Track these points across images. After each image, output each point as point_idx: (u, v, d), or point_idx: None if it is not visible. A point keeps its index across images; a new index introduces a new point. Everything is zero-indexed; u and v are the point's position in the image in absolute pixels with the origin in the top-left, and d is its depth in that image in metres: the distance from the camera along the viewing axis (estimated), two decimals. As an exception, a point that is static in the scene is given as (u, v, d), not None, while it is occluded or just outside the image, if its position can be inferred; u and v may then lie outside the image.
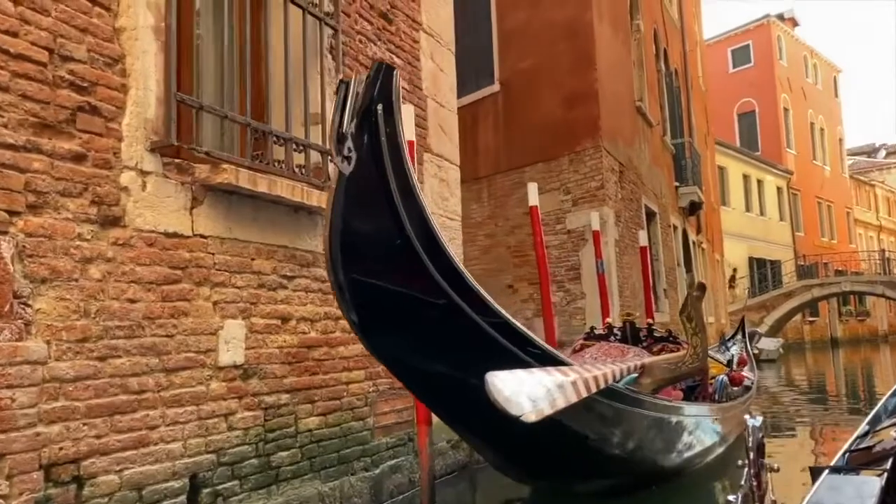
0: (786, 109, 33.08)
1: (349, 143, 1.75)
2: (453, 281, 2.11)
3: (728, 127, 32.72)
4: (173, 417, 2.80)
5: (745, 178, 29.62)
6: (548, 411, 2.01)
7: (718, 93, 30.52)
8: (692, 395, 5.27)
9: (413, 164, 2.32)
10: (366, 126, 1.80)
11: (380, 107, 1.83)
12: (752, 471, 1.14)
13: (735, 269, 29.11)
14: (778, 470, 1.28)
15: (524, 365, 2.26)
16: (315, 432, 3.60)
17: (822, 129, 35.91)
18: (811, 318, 30.50)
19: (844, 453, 2.45)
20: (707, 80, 24.46)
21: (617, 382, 3.46)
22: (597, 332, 5.79)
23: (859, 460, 2.28)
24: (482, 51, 11.27)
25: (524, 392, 1.90)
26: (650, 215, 12.68)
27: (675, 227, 14.80)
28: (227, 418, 3.06)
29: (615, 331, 5.71)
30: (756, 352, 20.31)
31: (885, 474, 1.95)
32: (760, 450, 1.18)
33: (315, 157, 3.70)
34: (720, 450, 5.43)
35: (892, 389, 3.63)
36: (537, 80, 10.28)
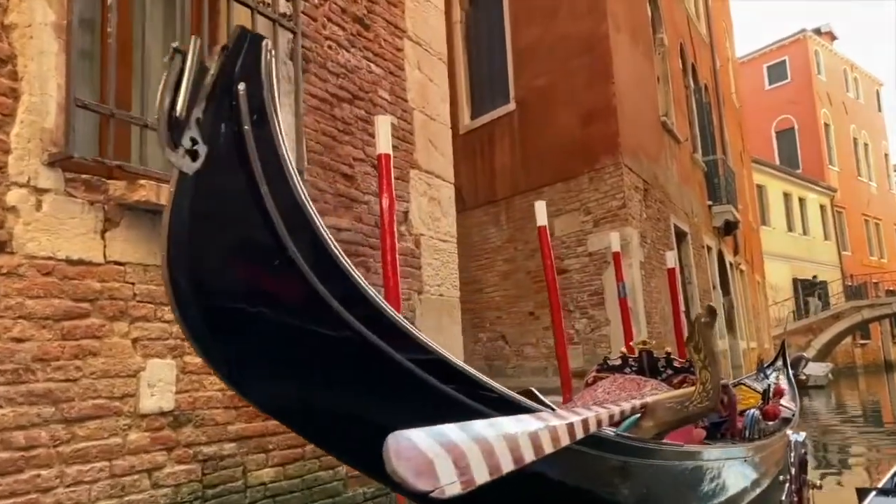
0: (826, 125, 32.00)
1: (192, 133, 1.31)
2: (366, 311, 1.63)
3: (766, 145, 31.77)
4: (76, 476, 2.38)
5: (786, 196, 28.59)
6: (482, 479, 1.52)
7: (755, 110, 29.74)
8: (717, 433, 4.67)
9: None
10: (221, 110, 1.36)
11: (242, 86, 1.39)
12: (793, 486, 0.89)
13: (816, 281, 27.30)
14: (821, 487, 1.21)
15: (470, 415, 1.76)
16: (270, 486, 3.14)
17: (865, 145, 34.64)
18: (863, 341, 29.06)
19: (893, 476, 2.39)
20: (742, 97, 23.76)
21: (617, 426, 2.96)
22: (610, 362, 5.23)
23: None
24: (497, 70, 10.90)
25: (440, 456, 1.41)
26: (680, 236, 12.03)
27: (710, 248, 14.09)
28: (150, 474, 2.63)
29: (630, 361, 5.15)
30: (803, 378, 19.33)
31: None
32: (803, 466, 0.95)
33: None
34: (754, 494, 4.82)
35: None
36: (553, 98, 9.84)
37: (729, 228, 15.43)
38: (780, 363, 10.13)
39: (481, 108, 11.11)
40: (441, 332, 4.76)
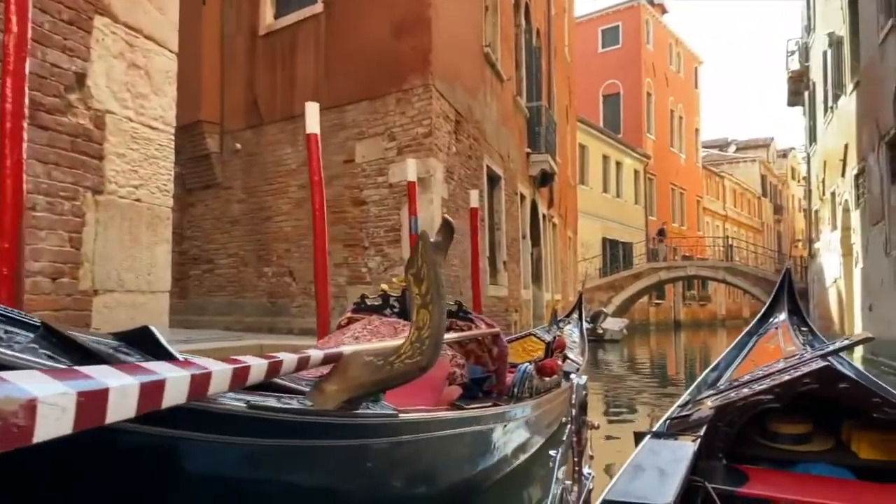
0: (649, 94, 33.44)
1: None
2: None
3: (593, 107, 32.63)
4: None
5: (605, 158, 29.59)
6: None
7: (587, 72, 30.27)
8: (479, 390, 3.91)
9: None
10: None
11: None
12: (573, 427, 1.12)
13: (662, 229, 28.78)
14: (598, 427, 1.28)
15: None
16: None
17: (680, 118, 36.78)
18: (658, 301, 31.23)
19: (666, 420, 2.60)
20: (575, 56, 23.83)
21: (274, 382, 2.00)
22: (369, 301, 4.31)
23: (678, 427, 2.44)
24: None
25: None
26: (494, 179, 11.46)
27: (524, 197, 13.75)
28: None
29: (392, 301, 4.26)
30: (600, 331, 20.13)
31: (699, 439, 2.17)
32: (583, 408, 1.13)
33: None
34: (520, 459, 4.15)
35: (712, 365, 3.79)
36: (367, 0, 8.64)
37: (545, 179, 15.23)
38: (575, 315, 9.91)
39: (287, 6, 9.64)
40: (136, 250, 3.53)
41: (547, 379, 5.01)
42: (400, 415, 2.33)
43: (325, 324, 4.90)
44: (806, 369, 2.17)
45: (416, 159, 7.99)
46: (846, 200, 14.20)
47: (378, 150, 8.58)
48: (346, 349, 2.01)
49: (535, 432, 4.44)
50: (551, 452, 1.23)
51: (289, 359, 1.85)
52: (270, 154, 9.71)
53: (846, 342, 2.78)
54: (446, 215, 2.14)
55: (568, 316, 9.83)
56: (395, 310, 4.26)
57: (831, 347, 2.56)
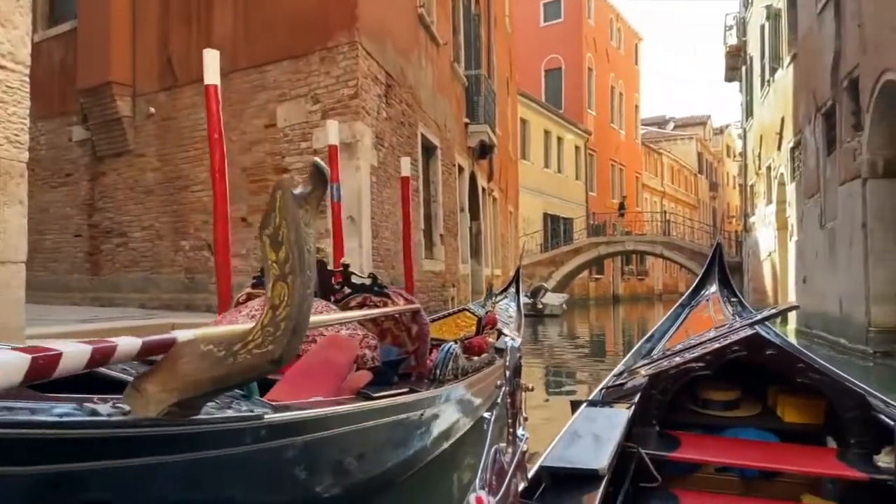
0: (590, 69, 33.33)
1: None
2: None
3: (535, 82, 32.30)
4: None
5: (547, 133, 29.42)
6: None
7: (529, 45, 29.93)
8: (394, 374, 3.46)
9: None
10: None
11: None
12: (507, 389, 1.13)
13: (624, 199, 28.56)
14: (532, 389, 1.30)
15: None
16: None
17: (621, 94, 36.89)
18: (597, 276, 31.45)
19: (601, 390, 2.66)
20: (518, 30, 23.41)
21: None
22: (272, 275, 3.78)
23: (613, 395, 2.49)
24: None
25: None
26: (430, 149, 10.97)
27: (462, 169, 13.31)
28: None
29: (298, 274, 3.74)
30: (540, 306, 20.00)
31: (633, 407, 2.23)
32: (517, 371, 1.16)
33: None
34: (441, 447, 3.74)
35: (647, 335, 3.90)
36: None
37: (484, 151, 14.81)
38: (512, 290, 9.57)
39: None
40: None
41: (476, 358, 4.59)
42: (272, 414, 1.85)
43: (226, 300, 4.37)
44: (735, 337, 2.24)
45: (341, 123, 7.44)
46: (782, 174, 14.26)
47: (301, 114, 7.97)
48: (182, 335, 1.51)
49: (460, 416, 4.03)
50: (485, 415, 1.20)
51: (125, 344, 1.36)
52: (186, 118, 8.97)
53: (773, 311, 2.94)
54: (317, 158, 1.68)
55: (505, 290, 9.48)
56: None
57: (759, 316, 2.64)
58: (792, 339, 13.06)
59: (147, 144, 9.45)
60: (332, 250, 6.30)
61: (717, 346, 2.27)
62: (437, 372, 3.74)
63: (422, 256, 9.95)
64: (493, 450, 1.09)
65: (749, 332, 2.25)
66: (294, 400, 2.34)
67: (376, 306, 3.61)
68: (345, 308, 3.63)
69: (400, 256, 8.44)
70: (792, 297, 13.34)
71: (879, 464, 1.93)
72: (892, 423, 1.98)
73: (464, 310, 6.92)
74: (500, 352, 5.21)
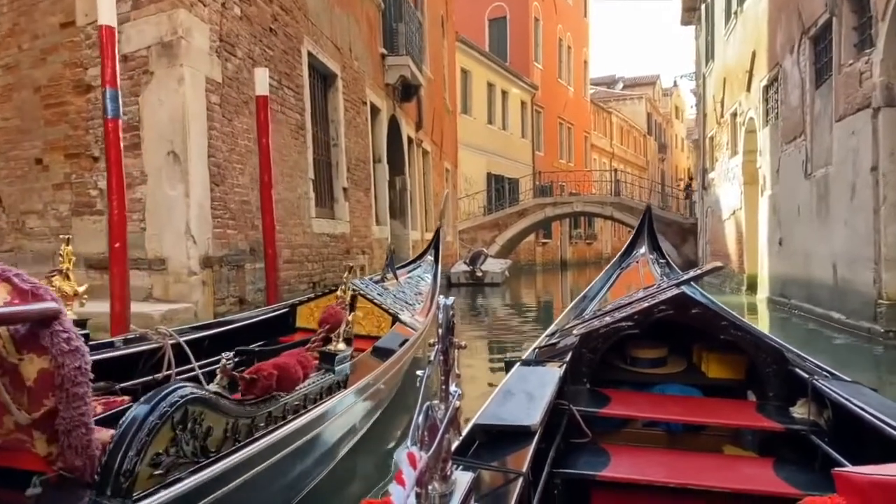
0: (536, 20, 31.03)
1: None
2: None
3: (479, 31, 29.80)
4: None
5: (490, 86, 27.10)
6: None
7: (471, -8, 27.52)
8: None
9: None
10: None
11: None
12: (441, 346, 1.09)
13: (688, 178, 26.35)
14: (465, 347, 1.23)
15: None
16: None
17: (569, 48, 34.73)
18: (544, 241, 29.62)
19: (534, 349, 2.72)
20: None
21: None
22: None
23: (546, 354, 2.56)
24: None
25: None
26: (326, 77, 8.59)
27: (378, 110, 10.96)
28: None
29: None
30: (480, 274, 17.92)
31: (565, 365, 2.33)
32: (451, 328, 1.10)
33: None
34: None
35: (580, 296, 4.01)
36: None
37: (408, 92, 12.44)
38: (430, 256, 7.45)
39: None
40: None
41: (251, 399, 2.37)
42: None
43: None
44: (662, 297, 2.37)
45: (158, 13, 5.05)
46: (751, 119, 12.33)
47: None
48: None
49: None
50: (418, 373, 1.09)
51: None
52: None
53: (698, 272, 3.49)
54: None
55: (420, 257, 7.32)
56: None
57: (685, 277, 3.04)
58: (764, 311, 11.37)
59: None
60: (175, 204, 3.95)
61: (645, 305, 2.37)
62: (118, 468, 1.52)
63: (311, 214, 7.64)
64: (425, 406, 1.02)
65: (675, 291, 2.37)
66: None
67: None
68: None
69: (256, 215, 6.12)
70: (764, 261, 11.51)
71: (795, 415, 2.10)
72: (806, 376, 2.12)
73: (351, 289, 4.70)
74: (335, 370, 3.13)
